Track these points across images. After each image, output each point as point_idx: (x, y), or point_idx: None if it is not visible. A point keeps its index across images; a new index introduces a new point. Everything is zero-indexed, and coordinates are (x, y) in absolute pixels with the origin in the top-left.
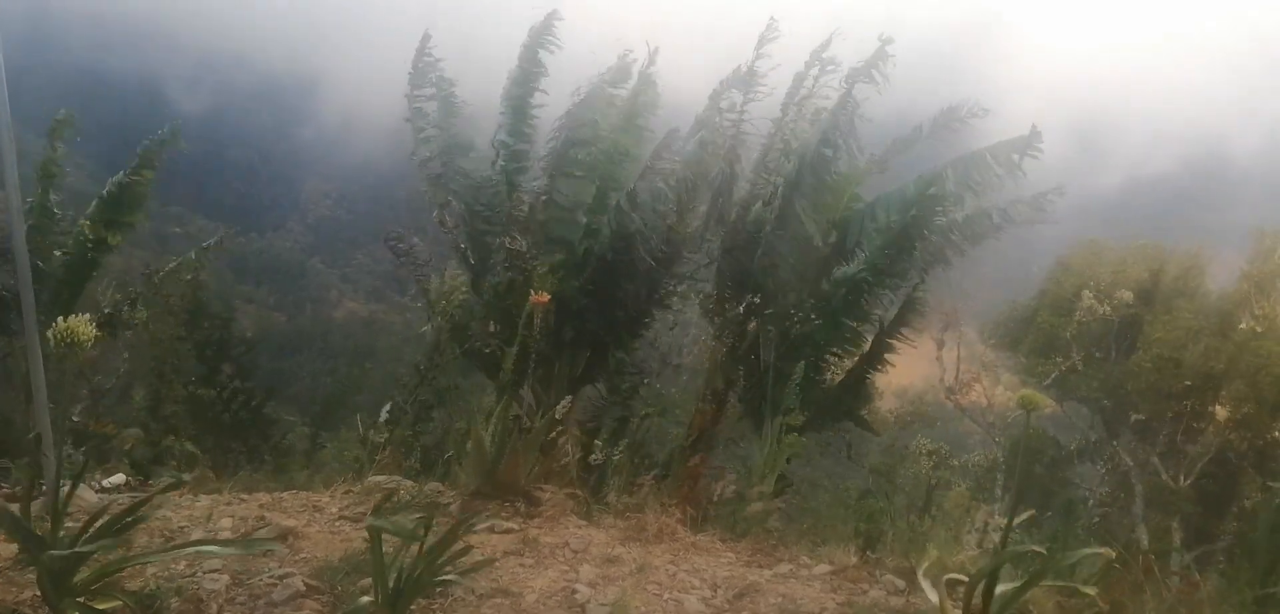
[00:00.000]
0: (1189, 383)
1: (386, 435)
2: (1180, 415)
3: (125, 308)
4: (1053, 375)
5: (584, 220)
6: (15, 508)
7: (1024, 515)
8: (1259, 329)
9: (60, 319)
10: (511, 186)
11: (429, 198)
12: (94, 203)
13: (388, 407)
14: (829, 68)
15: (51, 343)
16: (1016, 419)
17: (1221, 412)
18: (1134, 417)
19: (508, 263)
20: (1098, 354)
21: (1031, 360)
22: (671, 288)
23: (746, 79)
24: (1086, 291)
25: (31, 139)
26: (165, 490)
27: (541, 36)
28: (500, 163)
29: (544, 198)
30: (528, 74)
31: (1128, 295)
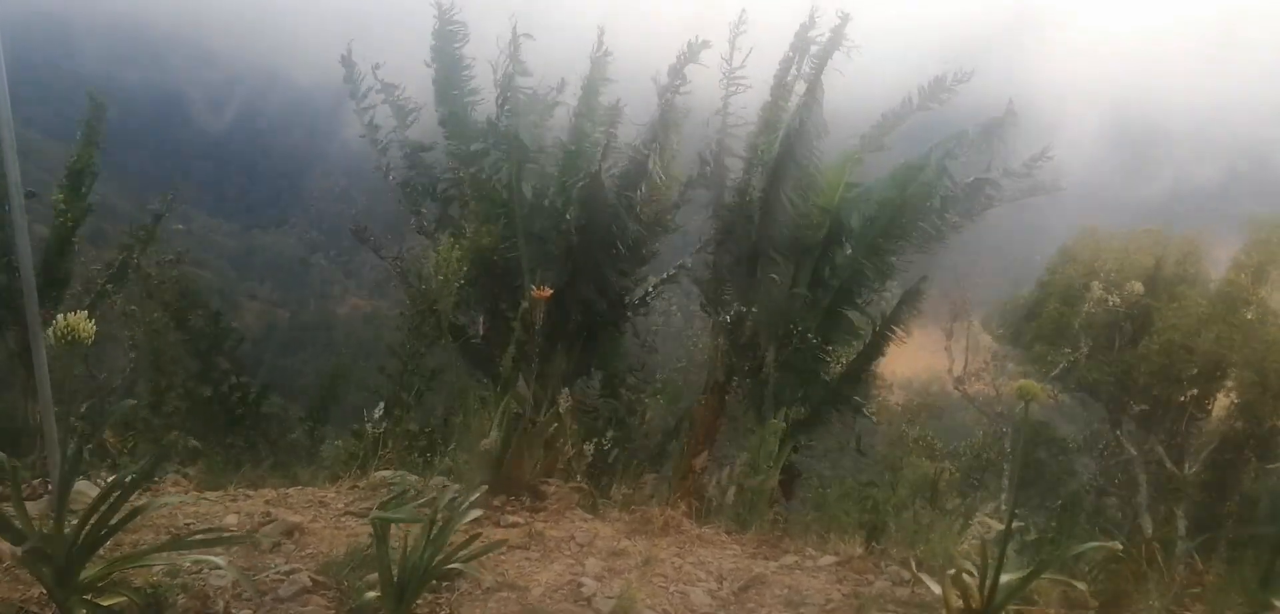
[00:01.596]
0: (1197, 370)
1: (384, 428)
2: (1184, 403)
3: (109, 287)
4: (1060, 366)
5: (556, 205)
6: (8, 505)
7: (1020, 525)
8: (1253, 316)
9: (60, 317)
10: (474, 181)
11: (403, 204)
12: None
13: (381, 405)
14: (811, 51)
15: (52, 340)
16: (1021, 409)
17: (1226, 399)
18: (1136, 406)
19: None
20: (1103, 343)
21: (1041, 348)
22: (656, 274)
23: (697, 49)
24: (1096, 283)
25: (53, 147)
26: (143, 478)
27: (448, 32)
28: (452, 156)
29: (498, 188)
30: (450, 73)
31: (1138, 287)
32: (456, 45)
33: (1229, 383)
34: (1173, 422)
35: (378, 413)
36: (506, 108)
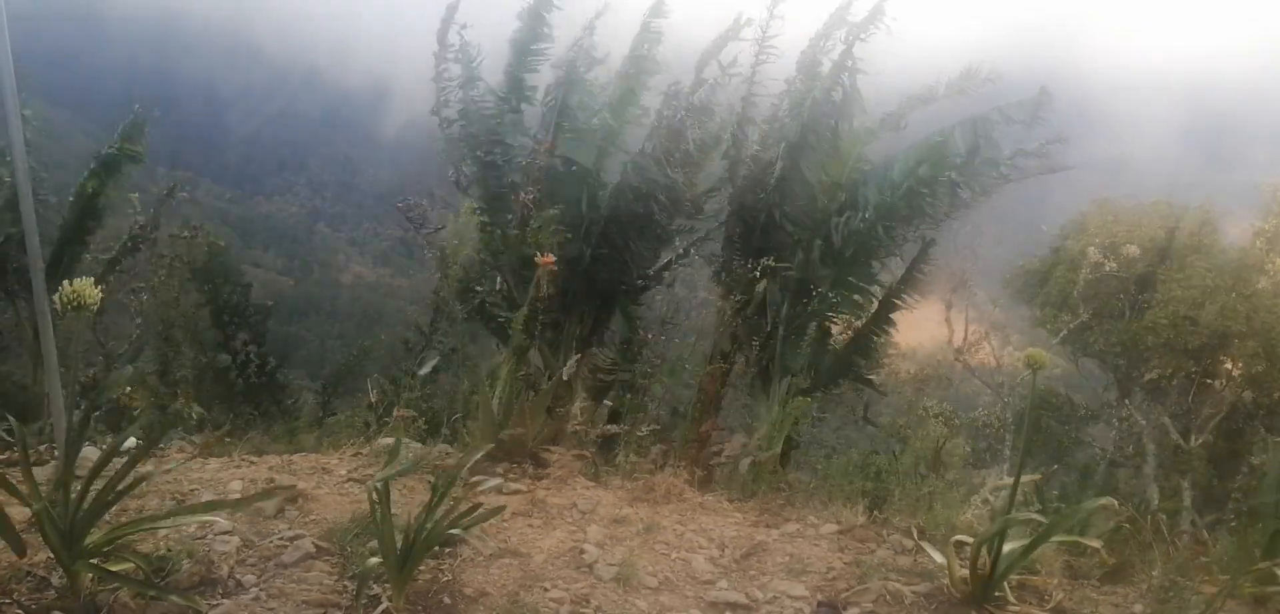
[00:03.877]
0: (1204, 340)
1: (395, 397)
2: (1192, 375)
3: (124, 258)
4: (1062, 333)
5: (589, 174)
6: (16, 471)
7: (1031, 477)
8: (1265, 284)
9: (66, 283)
10: (518, 144)
11: (446, 157)
12: (90, 167)
13: (373, 381)
14: (851, 31)
15: (59, 306)
16: (1026, 379)
17: (1234, 369)
18: (1146, 376)
19: (517, 221)
20: (1110, 311)
21: (1046, 313)
22: (680, 246)
23: (737, 28)
24: (1092, 248)
25: (62, 116)
26: (148, 447)
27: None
28: (504, 118)
29: (548, 154)
30: (533, 32)
31: (1134, 251)
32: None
33: (1235, 354)
34: (1180, 392)
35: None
36: (564, 77)
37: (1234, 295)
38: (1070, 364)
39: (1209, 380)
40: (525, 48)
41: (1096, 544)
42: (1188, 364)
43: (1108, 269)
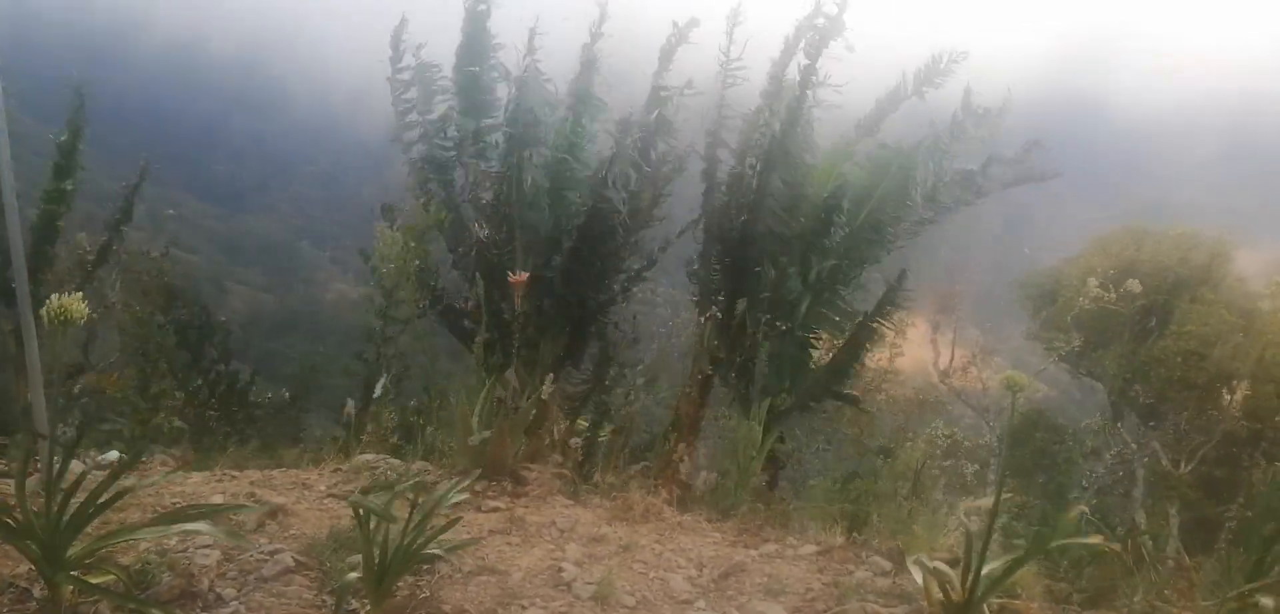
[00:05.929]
0: (1211, 376)
1: (371, 412)
2: (1186, 404)
3: (97, 271)
4: (1052, 358)
5: (553, 194)
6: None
7: (1009, 496)
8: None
9: (53, 296)
10: (477, 167)
11: (411, 180)
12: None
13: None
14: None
15: (45, 320)
16: (1010, 401)
17: (1233, 398)
18: (1142, 400)
19: (479, 248)
20: (1109, 338)
21: (1047, 333)
22: (643, 263)
23: (686, 30)
24: (1091, 280)
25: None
26: (132, 463)
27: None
28: (457, 144)
29: (504, 176)
30: (475, 48)
31: (1136, 286)
32: (486, 21)
33: (1239, 386)
34: (1174, 420)
35: (378, 391)
36: (519, 96)
37: (1246, 333)
38: (1069, 382)
39: (1208, 409)
40: (469, 60)
41: (1063, 586)
42: (1193, 397)
43: (1106, 300)
